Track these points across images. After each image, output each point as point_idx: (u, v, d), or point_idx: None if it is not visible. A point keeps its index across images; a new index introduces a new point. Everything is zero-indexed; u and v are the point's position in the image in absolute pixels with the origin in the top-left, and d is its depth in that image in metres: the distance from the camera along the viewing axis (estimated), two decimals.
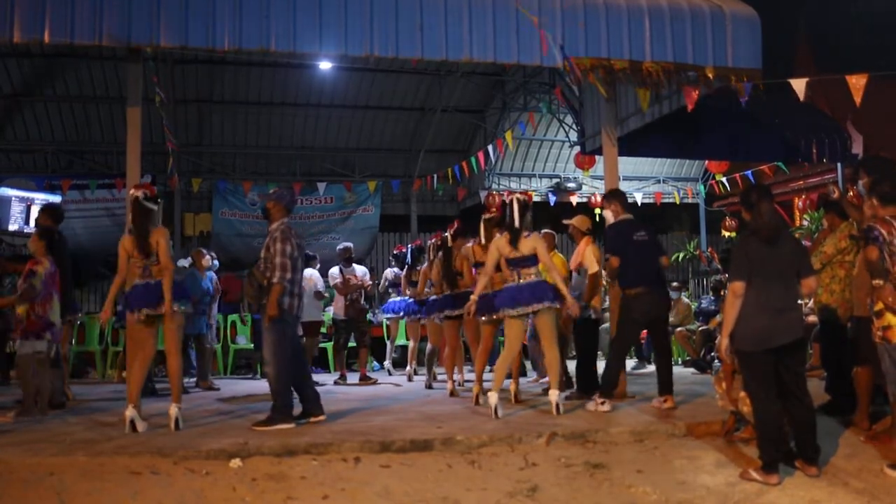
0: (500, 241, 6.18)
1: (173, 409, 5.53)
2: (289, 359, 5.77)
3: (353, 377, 9.29)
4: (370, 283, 9.52)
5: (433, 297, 7.99)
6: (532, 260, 6.08)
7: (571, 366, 7.50)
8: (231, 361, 10.74)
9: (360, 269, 9.43)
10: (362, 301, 9.33)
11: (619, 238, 6.31)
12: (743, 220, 4.75)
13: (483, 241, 6.94)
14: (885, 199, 4.63)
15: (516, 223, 6.10)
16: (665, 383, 6.27)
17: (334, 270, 9.30)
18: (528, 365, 9.31)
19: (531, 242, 6.08)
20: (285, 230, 5.75)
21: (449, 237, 7.72)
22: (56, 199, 11.94)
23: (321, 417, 5.83)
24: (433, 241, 8.27)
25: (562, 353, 7.56)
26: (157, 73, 9.00)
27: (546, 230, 8.31)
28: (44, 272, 6.23)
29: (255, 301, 5.78)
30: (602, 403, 6.07)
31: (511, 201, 6.18)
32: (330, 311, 9.92)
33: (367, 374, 9.15)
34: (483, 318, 6.80)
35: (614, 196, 6.53)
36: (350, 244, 9.81)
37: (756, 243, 4.48)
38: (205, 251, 9.14)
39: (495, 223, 6.74)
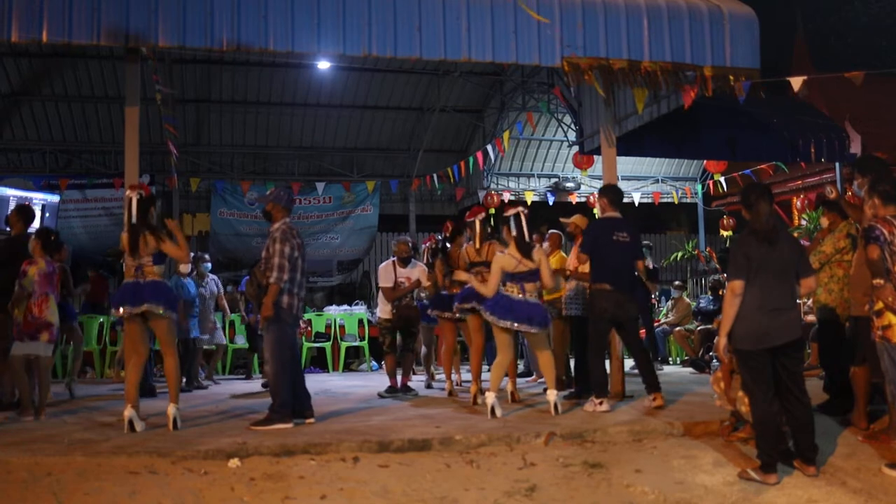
0: (504, 258, 6.16)
1: (171, 409, 5.53)
2: (289, 358, 5.78)
3: (354, 379, 9.27)
4: (425, 282, 7.79)
5: (424, 300, 7.98)
6: (537, 274, 6.13)
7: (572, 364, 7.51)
8: (229, 361, 10.73)
9: (419, 270, 7.82)
10: (415, 302, 7.89)
11: (594, 234, 6.37)
12: (742, 219, 4.76)
13: (477, 243, 6.87)
14: (887, 198, 4.64)
15: (526, 238, 6.14)
16: (650, 382, 6.27)
17: (387, 267, 7.82)
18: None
19: (537, 255, 6.17)
20: (285, 230, 5.75)
21: (445, 240, 7.55)
22: (54, 198, 11.93)
23: (311, 420, 5.84)
24: (427, 244, 8.21)
25: (563, 353, 7.57)
26: (156, 71, 9.00)
27: (552, 231, 8.31)
28: (36, 272, 6.20)
29: (256, 301, 5.79)
30: (600, 403, 6.08)
31: (518, 215, 6.21)
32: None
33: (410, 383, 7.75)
34: (466, 307, 6.81)
35: (604, 192, 6.55)
36: (409, 238, 8.22)
37: (755, 243, 4.48)
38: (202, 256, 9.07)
39: (488, 224, 6.78)
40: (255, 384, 8.61)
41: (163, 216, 6.16)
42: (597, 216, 6.61)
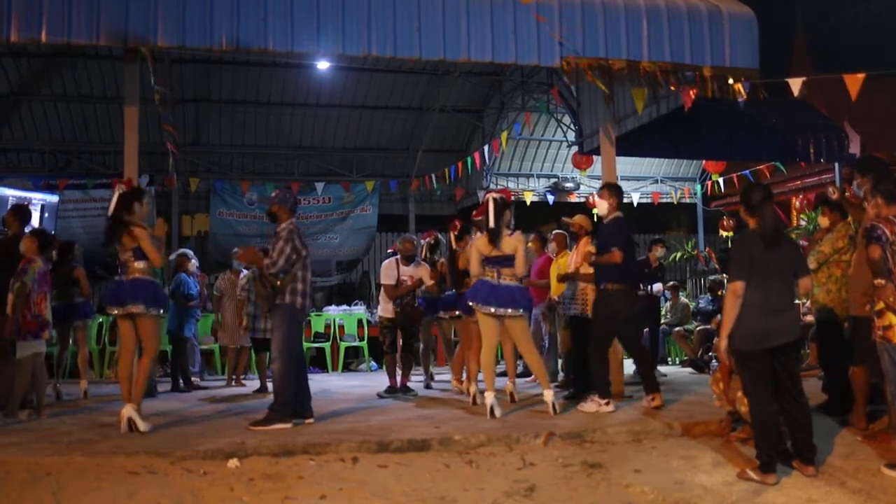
0: (480, 241, 6.18)
1: (126, 410, 5.42)
2: (296, 357, 5.81)
3: (353, 379, 9.21)
4: (428, 282, 7.70)
5: (423, 297, 7.97)
6: (512, 260, 6.08)
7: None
8: (227, 361, 10.71)
9: (422, 269, 7.74)
10: (416, 303, 7.73)
11: (623, 234, 6.30)
12: (741, 219, 4.75)
13: None
14: (890, 198, 4.64)
15: (491, 223, 6.08)
16: (649, 382, 6.28)
17: (390, 264, 7.73)
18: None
19: (513, 241, 6.08)
20: (292, 230, 5.81)
21: (453, 238, 7.51)
22: (54, 198, 11.93)
23: (310, 420, 5.84)
24: (427, 240, 8.19)
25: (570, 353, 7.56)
26: (154, 73, 8.98)
27: (558, 231, 8.31)
28: (36, 270, 6.21)
29: (268, 302, 5.80)
30: (606, 404, 6.07)
31: (486, 201, 6.18)
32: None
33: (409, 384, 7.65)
34: (467, 317, 6.87)
35: (616, 191, 6.47)
36: (413, 237, 8.07)
37: (757, 243, 4.47)
38: (190, 255, 9.03)
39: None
40: (254, 384, 8.58)
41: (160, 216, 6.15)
42: (602, 212, 6.46)
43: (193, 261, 8.76)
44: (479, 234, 6.38)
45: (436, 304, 7.87)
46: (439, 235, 8.25)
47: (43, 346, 6.29)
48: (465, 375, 7.51)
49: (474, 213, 7.22)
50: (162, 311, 5.76)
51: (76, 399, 7.43)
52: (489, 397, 5.93)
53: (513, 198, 6.34)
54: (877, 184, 4.82)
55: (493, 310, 6.02)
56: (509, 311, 6.02)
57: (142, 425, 5.42)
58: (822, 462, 4.64)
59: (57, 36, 5.88)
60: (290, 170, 14.49)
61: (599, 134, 7.67)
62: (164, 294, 5.92)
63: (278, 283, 5.69)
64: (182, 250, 9.26)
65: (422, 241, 8.29)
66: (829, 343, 5.97)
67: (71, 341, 7.93)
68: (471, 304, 6.18)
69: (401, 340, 7.71)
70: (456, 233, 7.51)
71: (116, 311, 5.57)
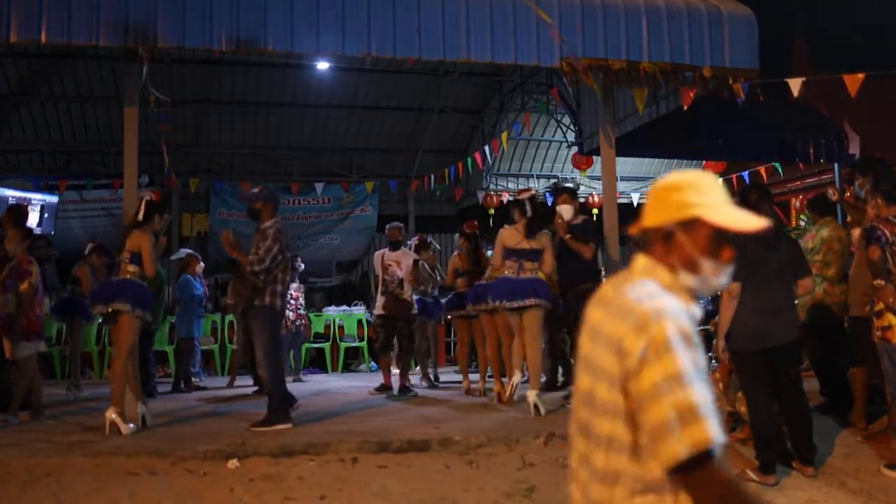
0: (508, 232, 6.29)
1: (109, 414, 5.41)
2: (282, 359, 5.84)
3: (353, 379, 9.20)
4: (414, 273, 7.74)
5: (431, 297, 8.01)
6: (538, 255, 6.18)
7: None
8: (227, 362, 10.71)
9: (408, 255, 7.89)
10: (406, 295, 7.68)
11: (597, 233, 6.64)
12: None
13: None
14: (890, 198, 4.63)
15: (529, 212, 6.25)
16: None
17: (378, 254, 7.97)
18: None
19: (544, 239, 6.23)
20: (279, 229, 5.83)
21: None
22: (53, 199, 11.93)
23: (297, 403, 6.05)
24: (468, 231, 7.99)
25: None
26: (151, 74, 8.95)
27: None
28: (38, 271, 6.21)
29: (247, 302, 5.82)
30: None
31: (533, 197, 6.42)
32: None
33: (408, 384, 7.62)
34: (476, 309, 6.96)
35: (576, 195, 6.79)
36: (400, 224, 8.22)
37: (755, 244, 4.47)
38: (199, 256, 9.05)
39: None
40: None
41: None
42: (572, 218, 6.61)
43: (202, 263, 8.82)
44: (506, 225, 6.43)
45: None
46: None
47: (43, 346, 6.30)
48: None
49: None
50: (145, 314, 5.71)
51: (76, 400, 7.42)
52: (516, 377, 6.17)
53: (538, 197, 6.62)
54: (877, 184, 4.82)
55: (518, 303, 6.10)
56: (530, 300, 6.09)
57: (123, 428, 5.39)
58: (822, 462, 4.64)
59: (57, 36, 5.87)
60: (290, 170, 14.46)
61: (599, 134, 7.67)
62: (150, 299, 5.88)
63: (260, 283, 5.69)
64: (189, 251, 9.28)
65: (409, 241, 8.46)
66: (819, 343, 5.94)
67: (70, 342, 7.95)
68: (497, 304, 6.25)
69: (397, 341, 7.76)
70: (477, 232, 7.63)
71: (103, 309, 5.58)
